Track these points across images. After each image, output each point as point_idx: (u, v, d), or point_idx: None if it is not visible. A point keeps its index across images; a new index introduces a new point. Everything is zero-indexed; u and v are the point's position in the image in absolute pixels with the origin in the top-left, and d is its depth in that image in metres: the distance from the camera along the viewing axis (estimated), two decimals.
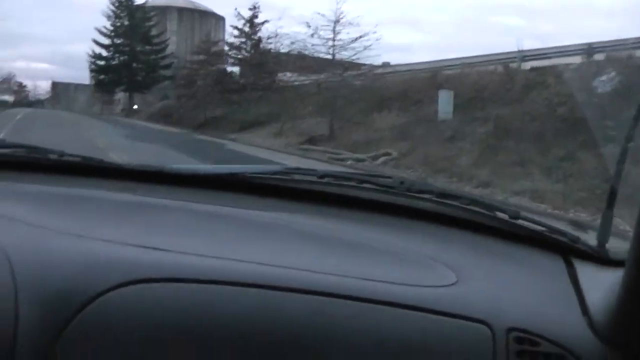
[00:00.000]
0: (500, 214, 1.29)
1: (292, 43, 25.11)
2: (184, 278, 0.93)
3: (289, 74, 28.90)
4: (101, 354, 0.87)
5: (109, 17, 52.17)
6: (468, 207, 1.31)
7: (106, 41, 52.57)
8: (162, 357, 0.89)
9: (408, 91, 21.04)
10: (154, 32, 51.51)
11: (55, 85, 75.79)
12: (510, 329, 0.94)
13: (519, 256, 1.24)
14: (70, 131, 22.40)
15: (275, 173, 1.46)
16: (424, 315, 0.94)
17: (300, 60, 25.20)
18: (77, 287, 0.90)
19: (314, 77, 24.59)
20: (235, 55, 34.68)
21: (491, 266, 1.18)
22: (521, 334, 0.94)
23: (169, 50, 48.66)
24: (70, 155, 1.48)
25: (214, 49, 35.87)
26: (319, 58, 23.91)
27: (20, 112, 38.54)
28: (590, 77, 13.14)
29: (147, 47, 51.97)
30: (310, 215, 1.30)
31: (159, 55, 50.46)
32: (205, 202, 1.31)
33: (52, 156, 1.48)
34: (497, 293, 1.05)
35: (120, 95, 55.80)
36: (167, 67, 46.15)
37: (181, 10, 55.70)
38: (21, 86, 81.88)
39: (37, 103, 76.68)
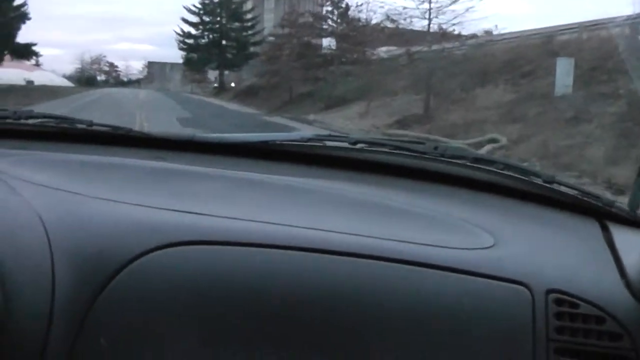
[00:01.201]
0: (535, 179, 1.30)
1: (382, 7, 22.14)
2: (220, 241, 0.93)
3: (381, 48, 25.90)
4: (137, 317, 0.88)
5: None
6: (502, 171, 1.31)
7: (195, 19, 52.05)
8: (199, 320, 0.89)
9: (517, 61, 17.78)
10: (244, 8, 50.14)
11: (150, 65, 76.48)
12: (550, 291, 0.95)
13: (555, 220, 1.23)
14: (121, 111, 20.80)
15: (307, 140, 1.42)
16: (463, 277, 0.94)
17: (393, 30, 22.20)
18: (112, 251, 0.91)
19: (407, 48, 21.58)
20: (321, 26, 32.04)
21: (528, 229, 1.17)
22: (560, 296, 0.94)
23: (266, 29, 46.79)
24: (99, 124, 1.48)
25: (301, 20, 33.20)
26: (412, 30, 20.91)
27: (106, 91, 37.60)
28: None
29: (237, 24, 51.12)
30: (344, 181, 1.28)
31: (250, 32, 49.34)
32: (237, 170, 1.28)
33: (81, 126, 1.47)
34: (535, 255, 1.05)
35: (214, 74, 55.12)
36: (259, 43, 44.37)
37: None
38: (112, 66, 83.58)
39: (133, 82, 78.17)
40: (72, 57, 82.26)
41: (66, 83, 67.26)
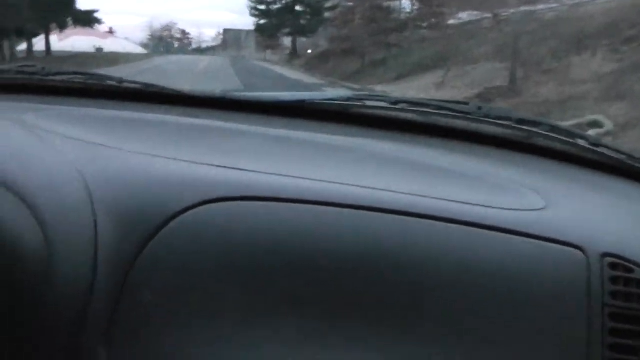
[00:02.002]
0: (581, 141, 1.28)
1: None
2: (267, 197, 0.92)
3: (462, 13, 23.47)
4: (182, 273, 0.87)
5: None
6: (548, 133, 1.28)
7: None
8: (246, 278, 0.88)
9: (619, 23, 15.18)
10: None
11: (226, 32, 76.20)
12: (605, 255, 0.93)
13: (604, 183, 1.23)
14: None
15: (346, 99, 1.41)
16: (515, 238, 0.93)
17: None
18: (156, 205, 0.90)
19: (492, 11, 19.20)
20: None
21: (578, 192, 1.17)
22: (615, 260, 0.93)
23: None
24: (130, 81, 1.47)
25: None
26: None
27: (165, 59, 36.56)
28: None
29: None
30: (384, 141, 1.25)
31: None
32: (275, 128, 1.25)
33: (111, 82, 1.46)
34: (588, 219, 1.04)
35: (287, 40, 53.71)
36: (334, 8, 42.41)
37: None
38: (184, 34, 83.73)
39: (209, 50, 78.63)
40: (148, 24, 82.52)
41: (139, 50, 67.73)
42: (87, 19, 40.10)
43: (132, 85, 1.45)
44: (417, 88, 18.95)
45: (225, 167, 0.97)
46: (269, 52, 57.70)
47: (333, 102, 1.40)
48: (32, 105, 1.29)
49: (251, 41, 64.41)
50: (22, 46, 41.96)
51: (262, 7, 50.86)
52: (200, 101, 1.43)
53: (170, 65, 32.80)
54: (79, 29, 62.19)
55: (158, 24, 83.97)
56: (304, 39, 50.11)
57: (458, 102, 1.39)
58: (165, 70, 27.61)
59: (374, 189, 0.95)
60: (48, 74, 1.47)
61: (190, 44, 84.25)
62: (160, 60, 40.60)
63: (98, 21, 41.27)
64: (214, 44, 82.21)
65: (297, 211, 0.91)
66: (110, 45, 65.01)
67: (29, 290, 0.77)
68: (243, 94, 1.55)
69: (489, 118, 1.31)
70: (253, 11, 51.33)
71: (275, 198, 0.91)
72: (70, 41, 61.75)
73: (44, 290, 0.78)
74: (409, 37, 26.65)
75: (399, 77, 22.34)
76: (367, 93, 1.57)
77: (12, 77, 1.51)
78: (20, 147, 0.94)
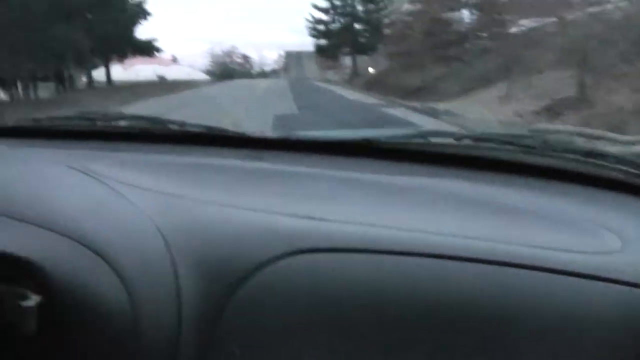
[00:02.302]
0: None
1: None
2: (346, 248, 0.92)
3: (523, 21, 22.30)
4: (266, 326, 0.88)
5: None
6: (617, 166, 1.26)
7: (326, 4, 50.57)
8: (330, 328, 0.88)
9: None
10: None
11: (288, 54, 76.60)
12: None
13: None
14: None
15: (411, 137, 1.43)
16: (593, 283, 0.90)
17: None
18: (237, 259, 0.90)
19: (557, 15, 18.06)
20: None
21: None
22: None
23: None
24: (192, 124, 1.48)
25: None
26: None
27: (226, 84, 36.69)
28: None
29: (370, 6, 49.13)
30: (452, 179, 1.25)
31: (383, 13, 46.90)
32: (341, 169, 1.27)
33: (173, 126, 1.48)
34: None
35: (348, 60, 53.23)
36: (393, 24, 41.76)
37: None
38: (246, 58, 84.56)
39: (270, 73, 79.06)
40: (209, 51, 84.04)
41: (202, 77, 68.70)
42: (147, 48, 40.54)
43: (195, 129, 1.45)
44: (481, 103, 18.02)
45: (304, 216, 0.96)
46: (330, 72, 57.40)
47: (397, 139, 1.40)
48: (97, 152, 1.31)
49: (312, 62, 64.27)
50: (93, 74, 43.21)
51: (321, 27, 50.93)
52: (262, 143, 1.43)
53: (229, 90, 32.72)
54: (143, 58, 63.60)
55: (219, 49, 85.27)
56: (365, 57, 49.55)
57: (523, 136, 1.39)
58: (222, 96, 27.49)
59: (455, 236, 0.93)
60: (110, 119, 1.51)
61: (252, 67, 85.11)
62: (219, 86, 40.72)
63: (158, 50, 41.67)
64: (276, 66, 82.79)
65: (381, 262, 0.90)
66: (174, 73, 66.04)
67: (115, 348, 0.78)
68: (305, 133, 1.55)
69: (556, 151, 1.29)
70: (312, 32, 51.48)
71: (358, 249, 0.90)
72: (134, 70, 63.14)
73: (131, 348, 0.79)
74: (470, 49, 25.83)
75: (462, 92, 21.44)
76: (430, 129, 1.51)
77: (75, 123, 1.54)
78: (95, 201, 0.95)
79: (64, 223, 0.84)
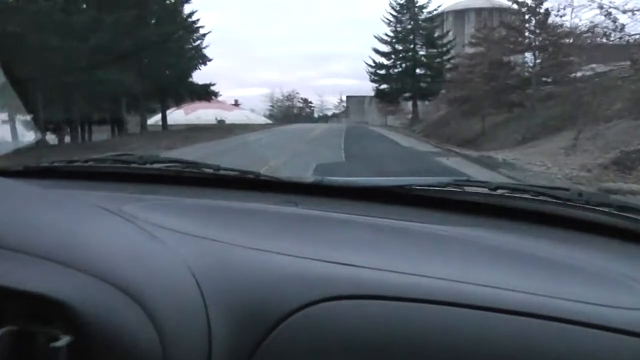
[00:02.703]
0: None
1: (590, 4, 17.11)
2: (380, 295, 0.91)
3: (590, 66, 20.61)
4: None
5: (389, 23, 49.82)
6: None
7: (386, 49, 49.91)
8: None
9: None
10: (437, 33, 47.21)
11: (349, 98, 76.57)
12: None
13: None
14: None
15: (444, 185, 1.42)
16: (628, 338, 0.89)
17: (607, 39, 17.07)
18: (269, 305, 0.90)
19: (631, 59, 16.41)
20: (517, 39, 27.03)
21: None
22: None
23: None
24: (226, 169, 1.52)
25: (494, 36, 28.42)
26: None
27: (280, 129, 36.12)
28: None
29: (432, 51, 48.37)
30: (486, 230, 1.24)
31: (445, 58, 46.03)
32: (375, 216, 1.27)
33: (208, 170, 1.52)
34: None
35: (408, 105, 52.18)
36: (455, 69, 40.65)
37: (479, 11, 49.70)
38: (306, 102, 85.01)
39: (331, 117, 79.50)
40: (269, 95, 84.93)
41: (262, 121, 69.29)
42: (204, 92, 40.38)
43: (229, 173, 1.49)
44: (544, 154, 16.42)
45: (337, 262, 0.96)
46: (390, 117, 56.27)
47: (432, 188, 1.39)
48: (132, 195, 1.31)
49: (373, 107, 63.29)
50: (154, 119, 43.56)
51: (382, 71, 50.02)
52: (296, 187, 1.46)
53: (282, 135, 32.23)
54: (205, 102, 64.36)
55: (279, 93, 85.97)
56: (426, 103, 48.31)
57: (558, 188, 1.39)
58: (275, 140, 27.26)
59: (492, 287, 0.92)
60: (145, 162, 1.55)
61: (312, 112, 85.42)
62: (274, 130, 40.21)
63: (215, 94, 41.34)
64: (336, 111, 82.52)
65: (416, 311, 0.89)
66: (235, 117, 66.73)
67: None
68: (338, 179, 1.54)
69: (590, 204, 1.28)
70: (372, 76, 50.64)
71: (393, 297, 0.90)
72: (196, 114, 64.03)
73: None
74: (533, 95, 24.25)
75: (523, 141, 19.95)
76: (465, 178, 1.42)
77: (110, 165, 1.60)
78: (128, 243, 0.96)
79: (97, 264, 0.85)
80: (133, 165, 1.52)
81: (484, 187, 1.40)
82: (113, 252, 0.90)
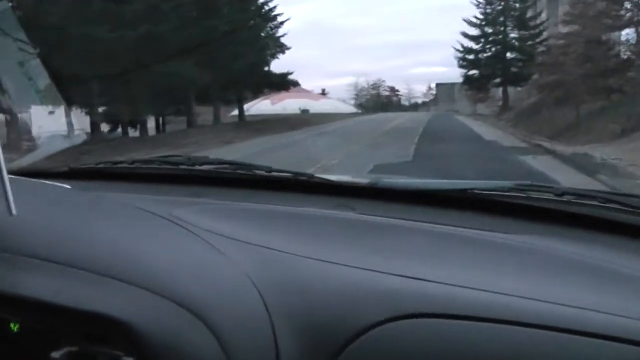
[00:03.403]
0: None
1: None
2: (455, 315, 0.88)
3: None
4: None
5: (478, 5, 47.14)
6: None
7: (476, 32, 47.38)
8: None
9: None
10: (530, 14, 44.45)
11: (438, 86, 74.94)
12: None
13: None
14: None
15: (508, 190, 1.37)
16: None
17: None
18: (339, 323, 0.87)
19: None
20: (617, 13, 24.00)
21: None
22: None
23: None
24: (279, 170, 1.50)
25: (591, 11, 25.07)
26: None
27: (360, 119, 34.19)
28: None
29: (523, 33, 45.38)
30: (556, 239, 1.17)
31: (537, 41, 42.88)
32: (434, 222, 1.23)
33: (260, 172, 1.50)
34: None
35: (498, 92, 49.69)
36: (548, 52, 37.57)
37: None
38: (393, 91, 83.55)
39: (420, 106, 78.71)
40: (354, 84, 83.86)
41: (349, 110, 68.56)
42: (282, 82, 38.92)
43: (282, 175, 1.46)
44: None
45: (407, 276, 0.93)
46: (480, 105, 53.36)
47: (496, 193, 1.36)
48: (182, 198, 1.29)
49: (463, 94, 60.54)
50: (234, 112, 42.87)
51: (471, 57, 47.52)
52: (351, 190, 1.41)
53: (359, 126, 30.66)
54: (293, 92, 63.84)
55: (365, 82, 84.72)
56: (518, 89, 45.26)
57: (630, 195, 1.34)
58: (348, 131, 25.83)
59: (575, 307, 0.88)
60: (195, 164, 1.53)
61: (399, 100, 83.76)
62: (352, 121, 38.61)
63: (294, 84, 39.84)
64: (425, 99, 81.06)
65: (490, 332, 0.85)
66: (322, 107, 66.50)
67: None
68: (396, 181, 1.51)
69: None
70: (461, 62, 48.17)
71: (465, 317, 0.86)
72: (282, 104, 63.72)
73: None
74: (635, 79, 21.62)
75: (623, 134, 17.24)
76: (529, 183, 1.32)
77: (157, 167, 1.57)
78: (188, 256, 0.96)
79: (159, 281, 0.84)
80: (182, 167, 1.51)
81: (550, 192, 1.34)
82: (174, 267, 0.89)
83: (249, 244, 1.00)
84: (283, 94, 59.51)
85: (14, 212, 0.94)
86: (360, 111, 69.37)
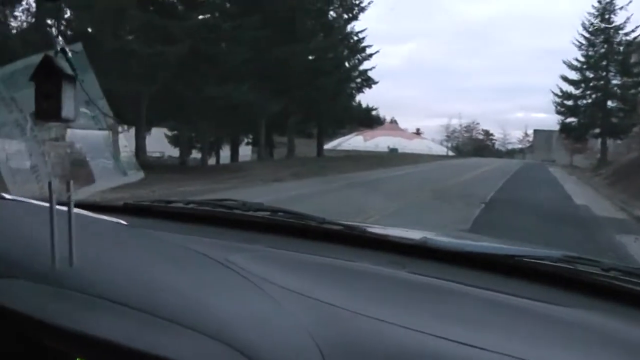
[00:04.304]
0: None
1: None
2: None
3: None
4: None
5: (580, 47, 43.83)
6: None
7: (576, 76, 44.00)
8: None
9: None
10: (634, 59, 40.76)
11: (536, 133, 71.17)
12: None
13: None
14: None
15: (556, 260, 1.36)
16: None
17: None
18: None
19: None
20: None
21: None
22: None
23: None
24: (331, 222, 1.50)
25: None
26: None
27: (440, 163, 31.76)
28: None
29: (626, 80, 41.89)
30: (602, 314, 1.17)
31: None
32: (481, 286, 1.22)
33: (312, 222, 1.50)
34: None
35: (597, 143, 45.84)
36: None
37: None
38: (487, 134, 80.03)
39: (517, 152, 75.96)
40: (445, 125, 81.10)
41: (439, 151, 66.15)
42: (365, 119, 38.34)
43: (334, 227, 1.45)
44: None
45: (467, 344, 0.92)
46: (578, 156, 49.69)
47: (542, 262, 1.34)
48: (235, 243, 1.29)
49: (561, 143, 56.84)
50: (331, 144, 41.71)
51: (569, 102, 44.22)
52: (401, 247, 1.40)
53: (433, 172, 28.16)
54: (387, 129, 61.89)
55: (457, 124, 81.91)
56: (618, 142, 41.63)
57: None
58: (420, 176, 24.28)
59: None
60: (249, 209, 1.54)
61: (493, 145, 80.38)
62: (433, 164, 36.41)
63: (378, 121, 38.74)
64: (521, 145, 77.44)
65: None
66: (414, 146, 65.24)
67: None
68: (444, 240, 1.51)
69: None
70: (559, 107, 44.89)
71: None
72: (374, 141, 62.42)
73: None
74: None
75: None
76: (577, 255, 1.34)
77: (210, 209, 1.58)
78: (252, 307, 0.96)
79: (224, 330, 0.86)
80: (236, 211, 1.52)
81: (597, 265, 1.33)
82: (237, 316, 0.90)
83: (305, 296, 0.99)
84: (376, 131, 58.30)
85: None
86: (453, 153, 66.79)
